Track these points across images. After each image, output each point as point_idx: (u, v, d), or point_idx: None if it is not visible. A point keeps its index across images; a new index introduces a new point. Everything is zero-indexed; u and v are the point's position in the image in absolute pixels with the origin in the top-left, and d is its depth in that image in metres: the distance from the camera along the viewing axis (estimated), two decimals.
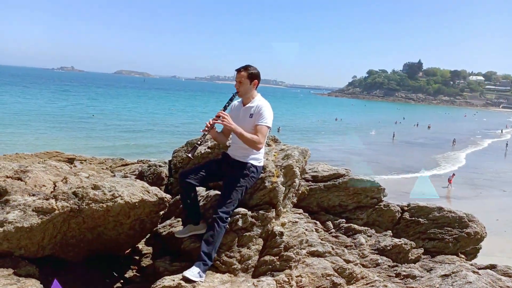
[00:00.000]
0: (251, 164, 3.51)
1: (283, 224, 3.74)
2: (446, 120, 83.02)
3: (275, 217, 3.68)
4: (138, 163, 11.17)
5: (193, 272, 3.20)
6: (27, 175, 3.69)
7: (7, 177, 3.70)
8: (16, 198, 3.24)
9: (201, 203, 3.89)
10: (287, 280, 3.39)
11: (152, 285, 3.21)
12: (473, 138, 50.84)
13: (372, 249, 4.75)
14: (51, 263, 3.64)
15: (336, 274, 3.78)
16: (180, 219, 4.19)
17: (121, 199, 3.42)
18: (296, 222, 3.80)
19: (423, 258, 5.13)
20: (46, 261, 3.56)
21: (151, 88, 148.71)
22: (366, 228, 5.06)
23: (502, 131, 60.03)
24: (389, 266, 4.52)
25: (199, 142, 3.51)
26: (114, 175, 4.90)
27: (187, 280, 3.15)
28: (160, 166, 4.78)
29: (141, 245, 4.23)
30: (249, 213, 3.56)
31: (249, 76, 3.52)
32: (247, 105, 3.58)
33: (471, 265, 4.83)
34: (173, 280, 3.16)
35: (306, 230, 3.85)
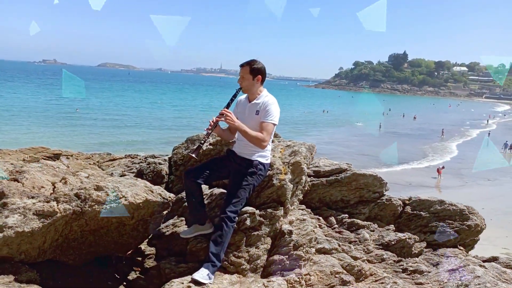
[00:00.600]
0: (259, 161, 3.41)
1: (291, 222, 3.66)
2: (431, 111, 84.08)
3: (283, 215, 3.60)
4: (126, 157, 10.96)
5: (202, 274, 3.11)
6: (23, 176, 3.53)
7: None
8: (14, 201, 3.09)
9: (205, 202, 3.79)
10: (298, 280, 3.32)
11: None
12: (463, 128, 51.47)
13: (376, 244, 4.72)
14: (51, 267, 3.51)
15: (344, 271, 3.73)
16: (183, 218, 4.08)
17: (125, 199, 3.29)
18: (304, 219, 3.73)
19: (425, 252, 5.13)
20: (45, 265, 3.43)
21: (137, 81, 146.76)
22: (369, 222, 5.03)
23: (488, 121, 61.06)
24: (394, 261, 4.50)
25: (202, 142, 3.40)
26: (112, 174, 4.74)
27: (196, 282, 3.06)
28: (160, 163, 4.64)
29: (143, 246, 4.10)
30: (257, 211, 3.47)
31: (251, 71, 3.40)
32: (253, 102, 3.47)
33: (474, 257, 4.86)
34: (182, 283, 3.07)
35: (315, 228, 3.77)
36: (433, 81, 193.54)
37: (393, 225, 5.16)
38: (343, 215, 5.03)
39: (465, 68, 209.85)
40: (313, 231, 3.62)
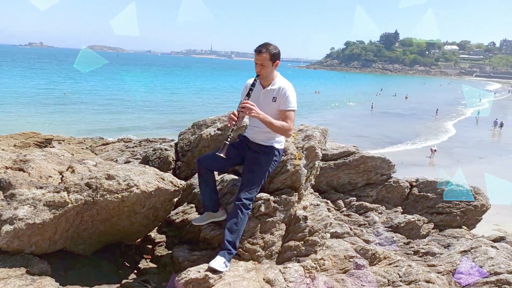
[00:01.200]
0: (274, 147, 3.32)
1: (304, 208, 3.61)
2: (423, 90, 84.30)
3: (297, 201, 3.54)
4: (119, 141, 10.82)
5: (219, 263, 3.06)
6: (29, 165, 3.41)
7: (7, 168, 3.42)
8: (22, 192, 2.98)
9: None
10: (315, 265, 3.29)
11: (177, 278, 3.05)
12: (456, 107, 51.47)
13: (386, 227, 4.72)
14: (61, 257, 3.43)
15: (358, 255, 3.71)
16: (193, 205, 4.01)
17: (137, 188, 3.19)
18: (318, 204, 3.68)
19: (432, 232, 5.16)
20: (55, 255, 3.35)
21: (127, 64, 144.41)
22: (377, 205, 5.02)
23: (480, 100, 61.36)
24: (404, 243, 4.51)
25: (228, 139, 3.15)
26: (117, 161, 4.62)
27: (213, 271, 3.01)
28: (166, 149, 4.53)
29: (153, 233, 4.04)
30: (272, 198, 3.41)
31: (271, 57, 3.20)
32: (267, 88, 3.30)
33: (482, 237, 4.89)
34: (199, 272, 3.01)
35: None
36: (424, 60, 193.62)
37: (400, 207, 5.17)
38: (351, 198, 5.01)
39: (456, 47, 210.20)
40: (328, 216, 3.58)
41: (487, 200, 5.57)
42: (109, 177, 3.13)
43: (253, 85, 3.26)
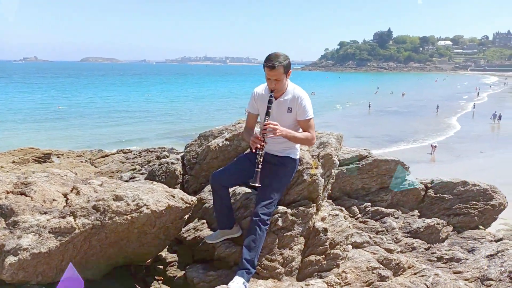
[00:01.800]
0: (290, 157, 3.15)
1: (323, 219, 3.43)
2: (419, 87, 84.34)
3: (315, 212, 3.36)
4: (118, 153, 10.62)
5: (238, 284, 2.87)
6: (31, 188, 3.22)
7: (8, 192, 3.23)
8: (26, 219, 2.79)
9: None
10: (338, 281, 3.11)
11: None
12: (455, 103, 51.16)
13: (404, 232, 4.54)
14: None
15: (381, 266, 3.54)
16: (204, 220, 3.83)
17: (147, 208, 3.01)
18: (336, 215, 3.50)
19: (451, 235, 4.98)
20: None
21: (122, 74, 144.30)
22: (393, 210, 4.84)
23: (478, 94, 61.29)
24: (425, 249, 4.33)
25: (259, 166, 2.93)
26: (121, 177, 4.43)
27: None
28: (172, 163, 4.35)
29: (164, 253, 3.84)
30: (289, 210, 3.23)
31: (285, 69, 2.98)
32: (280, 99, 3.10)
33: (500, 235, 4.71)
34: None
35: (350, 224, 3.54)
36: (419, 57, 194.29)
37: (417, 211, 4.98)
38: (366, 203, 4.83)
39: (449, 42, 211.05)
40: (349, 227, 3.40)
41: (504, 198, 5.39)
42: (117, 198, 2.95)
43: (270, 102, 3.01)
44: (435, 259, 4.02)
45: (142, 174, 5.28)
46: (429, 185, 5.19)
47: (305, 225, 3.27)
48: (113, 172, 7.62)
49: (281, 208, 3.21)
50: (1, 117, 35.67)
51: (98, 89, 70.22)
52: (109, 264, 3.46)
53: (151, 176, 4.39)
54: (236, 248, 3.28)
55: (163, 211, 3.13)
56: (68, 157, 10.62)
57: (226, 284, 2.92)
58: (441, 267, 3.85)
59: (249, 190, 3.55)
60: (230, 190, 3.73)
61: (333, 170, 3.58)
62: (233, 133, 4.14)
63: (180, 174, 4.32)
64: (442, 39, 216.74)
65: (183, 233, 3.76)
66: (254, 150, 2.99)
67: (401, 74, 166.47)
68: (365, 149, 5.09)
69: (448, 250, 4.08)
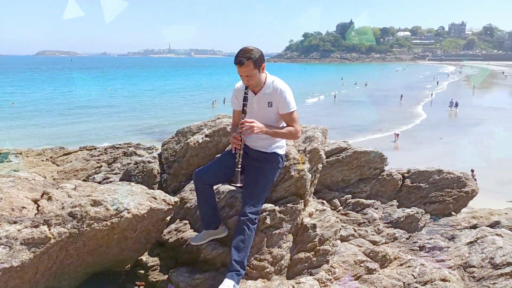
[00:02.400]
0: (277, 153, 3.04)
1: (310, 215, 3.36)
2: (381, 77, 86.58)
3: (303, 209, 3.29)
4: (81, 150, 10.14)
5: (228, 287, 2.75)
6: None
7: None
8: None
9: None
10: (329, 277, 3.06)
11: None
12: (424, 91, 52.66)
13: (385, 223, 4.57)
14: None
15: (368, 259, 3.52)
16: (186, 221, 3.67)
17: (128, 212, 2.82)
18: (324, 210, 3.44)
19: (428, 223, 5.08)
20: None
21: (81, 68, 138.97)
22: (373, 200, 4.86)
23: (437, 83, 63.56)
24: (406, 238, 4.38)
25: (239, 166, 2.86)
26: (94, 179, 4.17)
27: None
28: (149, 162, 4.13)
29: (144, 257, 3.66)
30: (277, 208, 3.13)
31: (255, 64, 2.81)
32: (260, 94, 2.97)
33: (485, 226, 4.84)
34: None
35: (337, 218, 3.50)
36: (380, 48, 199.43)
37: (395, 200, 5.04)
38: (346, 196, 4.83)
39: (408, 33, 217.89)
40: (337, 221, 3.35)
41: (476, 184, 5.56)
42: (95, 203, 2.74)
43: (245, 99, 2.89)
44: (418, 248, 4.07)
45: (115, 174, 5.02)
46: (406, 175, 5.27)
47: (293, 222, 3.19)
48: (77, 170, 7.23)
49: (269, 206, 3.11)
50: None
51: (57, 84, 67.15)
52: (86, 272, 3.24)
53: (127, 177, 4.16)
54: (223, 248, 3.15)
55: (145, 215, 2.95)
56: (27, 156, 10.02)
57: (215, 287, 2.80)
58: (424, 256, 3.90)
59: (233, 188, 3.42)
60: (214, 188, 3.60)
61: (320, 165, 3.51)
62: (213, 129, 3.99)
63: (158, 173, 4.12)
64: (402, 30, 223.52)
65: (164, 235, 3.59)
66: (233, 151, 2.88)
67: (364, 64, 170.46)
68: (343, 141, 5.08)
69: (430, 239, 4.14)
